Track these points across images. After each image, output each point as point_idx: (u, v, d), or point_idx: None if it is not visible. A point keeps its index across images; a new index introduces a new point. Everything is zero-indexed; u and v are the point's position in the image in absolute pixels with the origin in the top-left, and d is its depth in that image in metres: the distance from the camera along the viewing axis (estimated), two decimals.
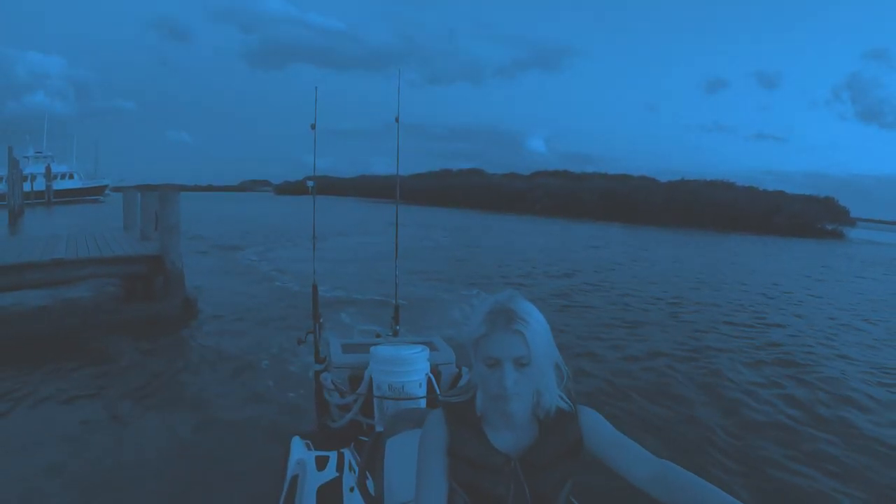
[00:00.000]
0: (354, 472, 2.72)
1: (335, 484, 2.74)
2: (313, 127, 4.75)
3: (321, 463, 2.92)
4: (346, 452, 3.00)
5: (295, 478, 2.82)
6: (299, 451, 3.15)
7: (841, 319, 11.80)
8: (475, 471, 1.45)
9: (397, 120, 4.97)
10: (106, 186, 60.79)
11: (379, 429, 3.15)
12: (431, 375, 3.52)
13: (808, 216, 54.37)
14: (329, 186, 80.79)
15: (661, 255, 24.03)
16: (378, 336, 4.40)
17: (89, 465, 4.49)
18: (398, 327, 4.98)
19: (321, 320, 4.61)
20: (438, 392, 3.50)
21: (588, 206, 55.99)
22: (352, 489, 2.54)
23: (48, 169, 52.07)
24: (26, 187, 42.30)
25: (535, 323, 1.38)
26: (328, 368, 3.91)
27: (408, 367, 3.34)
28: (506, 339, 1.35)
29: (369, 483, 2.34)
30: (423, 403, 3.33)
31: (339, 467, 2.87)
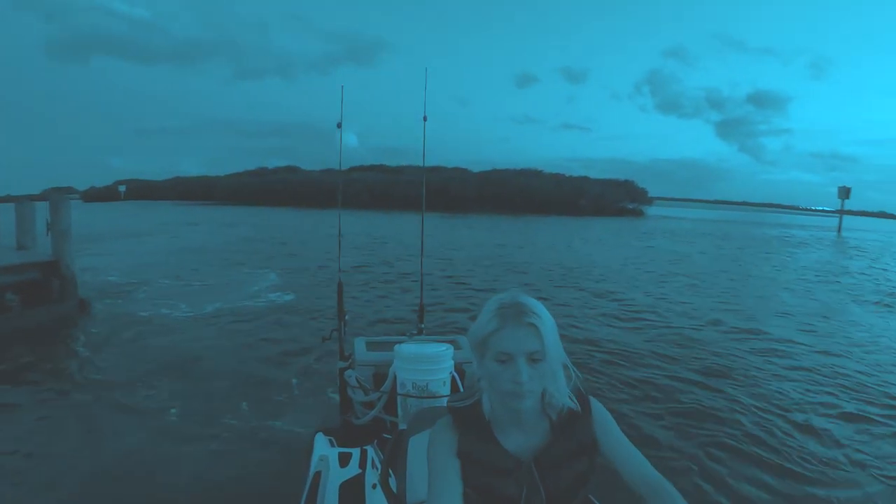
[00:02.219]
0: (377, 469, 2.71)
1: (357, 481, 2.74)
2: (339, 126, 4.64)
3: (344, 459, 2.92)
4: (369, 449, 3.00)
5: (318, 474, 2.81)
6: (322, 448, 3.14)
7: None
8: (487, 474, 1.41)
9: (425, 119, 4.72)
10: None
11: (402, 427, 3.04)
12: (455, 374, 3.47)
13: (610, 198, 59.44)
14: (143, 191, 75.67)
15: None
16: (403, 334, 4.30)
17: (110, 460, 4.50)
18: (423, 325, 4.80)
19: (346, 318, 4.48)
20: (462, 391, 3.41)
21: (406, 198, 57.00)
22: (374, 486, 2.54)
23: None
24: None
25: (546, 318, 1.35)
26: (352, 366, 3.84)
27: (432, 365, 3.30)
28: (519, 333, 1.32)
29: (392, 481, 2.31)
30: (446, 402, 3.19)
31: (362, 464, 2.87)
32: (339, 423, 3.76)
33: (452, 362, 3.43)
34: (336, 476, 2.79)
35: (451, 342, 3.66)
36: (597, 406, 1.50)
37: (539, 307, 1.36)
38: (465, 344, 3.90)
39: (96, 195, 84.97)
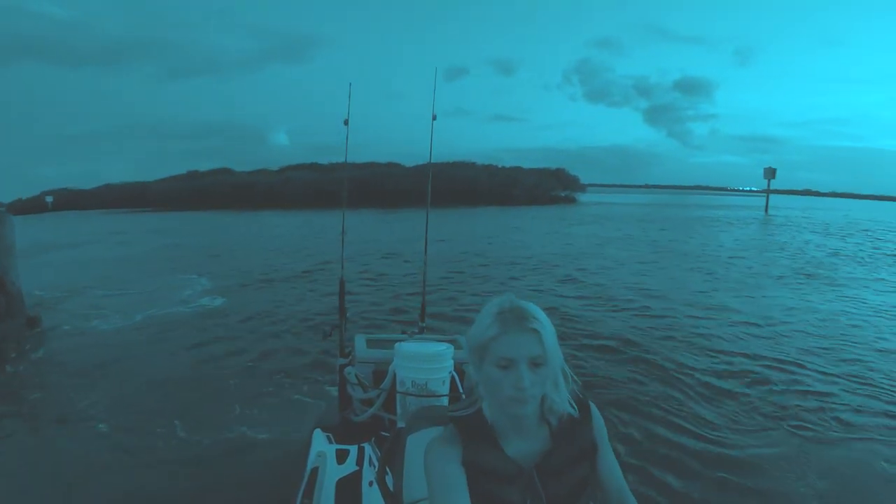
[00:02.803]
0: (374, 466, 2.72)
1: (354, 477, 2.75)
2: (346, 123, 4.59)
3: (341, 456, 2.92)
4: (367, 447, 3.00)
5: (315, 470, 2.81)
6: (320, 444, 3.15)
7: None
8: (490, 482, 1.39)
9: (434, 118, 4.74)
10: None
11: (400, 425, 3.10)
12: (455, 373, 3.48)
13: (543, 187, 60.64)
14: (71, 201, 72.62)
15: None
16: (403, 332, 4.30)
17: (109, 459, 4.54)
18: (423, 324, 4.79)
19: (347, 315, 4.46)
20: (462, 390, 3.47)
21: (340, 196, 56.81)
22: (371, 484, 2.55)
23: None
24: None
25: (547, 323, 1.36)
26: (352, 363, 3.83)
27: (432, 364, 3.31)
28: (521, 338, 1.32)
29: (388, 478, 2.31)
30: (445, 401, 3.29)
31: (360, 461, 2.87)
32: (337, 420, 3.80)
33: (452, 361, 3.45)
34: (333, 472, 2.81)
35: (451, 341, 3.70)
36: (595, 411, 1.52)
37: (539, 312, 1.36)
38: (466, 344, 4.17)
39: (23, 207, 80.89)
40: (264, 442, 4.82)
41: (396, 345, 3.44)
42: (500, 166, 66.25)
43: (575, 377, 1.45)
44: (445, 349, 3.39)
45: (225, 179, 67.99)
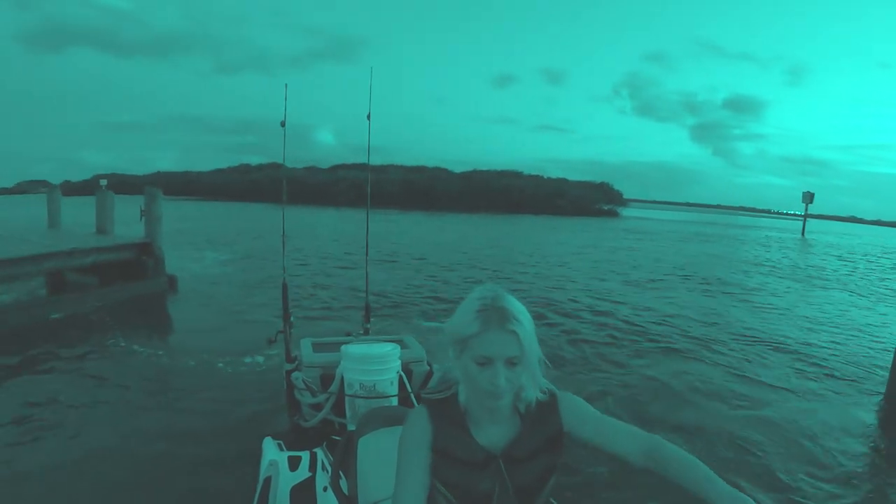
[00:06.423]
0: (327, 471, 2.69)
1: (308, 484, 2.72)
2: (283, 125, 4.66)
3: (294, 463, 2.87)
4: (319, 452, 2.96)
5: (268, 479, 2.78)
6: (271, 452, 3.08)
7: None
8: (461, 467, 1.41)
9: (368, 117, 4.85)
10: None
11: (351, 427, 3.10)
12: (403, 374, 3.49)
13: (587, 199, 61.55)
14: (123, 185, 74.00)
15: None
16: (349, 335, 4.31)
17: (52, 463, 4.29)
18: (369, 325, 4.84)
19: (291, 319, 4.43)
20: (410, 390, 3.49)
21: (391, 197, 58.17)
22: (325, 489, 2.54)
23: None
24: None
25: (527, 322, 1.36)
26: (299, 368, 3.83)
27: (379, 365, 3.32)
28: (500, 339, 1.32)
29: (342, 482, 2.31)
30: (394, 402, 3.31)
31: (312, 467, 2.83)
32: (287, 427, 3.78)
33: (399, 362, 3.44)
34: (286, 480, 2.76)
35: (397, 342, 3.71)
36: (563, 397, 1.51)
37: (520, 311, 1.36)
38: (412, 343, 4.02)
39: (73, 189, 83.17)
40: (213, 454, 4.41)
41: (342, 347, 3.45)
42: (545, 177, 67.25)
43: (548, 363, 1.45)
44: (392, 349, 3.40)
45: (277, 174, 69.57)
